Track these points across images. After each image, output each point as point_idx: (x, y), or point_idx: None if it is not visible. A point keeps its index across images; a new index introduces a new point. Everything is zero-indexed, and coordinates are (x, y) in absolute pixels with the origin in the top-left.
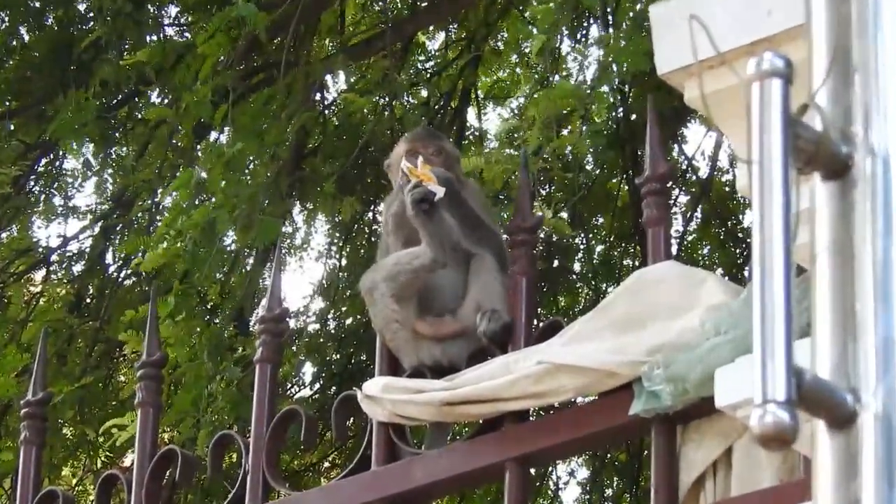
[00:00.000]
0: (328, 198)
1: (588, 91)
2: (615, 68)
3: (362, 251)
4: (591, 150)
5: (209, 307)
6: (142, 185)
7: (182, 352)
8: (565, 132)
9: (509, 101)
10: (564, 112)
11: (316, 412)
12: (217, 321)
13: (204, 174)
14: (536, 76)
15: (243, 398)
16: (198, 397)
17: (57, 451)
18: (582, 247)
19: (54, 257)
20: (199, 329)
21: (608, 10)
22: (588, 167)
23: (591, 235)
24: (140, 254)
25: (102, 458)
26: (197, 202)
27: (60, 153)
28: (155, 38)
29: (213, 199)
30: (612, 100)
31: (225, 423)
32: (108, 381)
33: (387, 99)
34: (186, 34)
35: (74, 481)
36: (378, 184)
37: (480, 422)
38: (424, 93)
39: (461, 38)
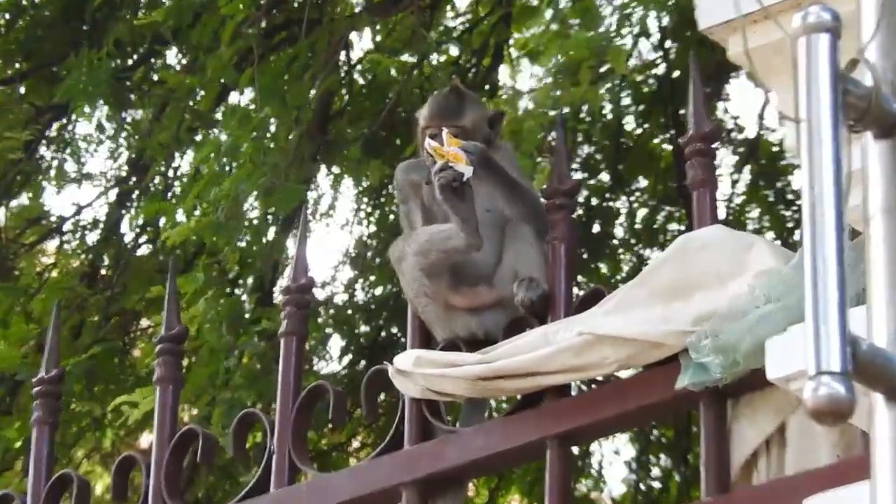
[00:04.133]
0: (354, 162)
1: (604, 43)
2: (639, 16)
3: (391, 217)
4: (632, 108)
5: (229, 278)
6: (158, 149)
7: (207, 328)
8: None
9: (544, 58)
10: (589, 65)
11: (344, 388)
12: (237, 292)
13: (224, 137)
14: (572, 32)
15: (263, 374)
16: (214, 373)
17: (68, 430)
18: (623, 211)
19: (67, 226)
20: (220, 300)
21: None
22: (628, 127)
23: (632, 199)
24: (159, 221)
25: (112, 439)
26: (217, 169)
27: (73, 117)
28: None
29: (235, 167)
30: (649, 55)
31: (243, 401)
32: (123, 356)
33: (415, 58)
34: None
35: (82, 463)
36: (407, 146)
37: (518, 397)
38: (454, 51)
39: None
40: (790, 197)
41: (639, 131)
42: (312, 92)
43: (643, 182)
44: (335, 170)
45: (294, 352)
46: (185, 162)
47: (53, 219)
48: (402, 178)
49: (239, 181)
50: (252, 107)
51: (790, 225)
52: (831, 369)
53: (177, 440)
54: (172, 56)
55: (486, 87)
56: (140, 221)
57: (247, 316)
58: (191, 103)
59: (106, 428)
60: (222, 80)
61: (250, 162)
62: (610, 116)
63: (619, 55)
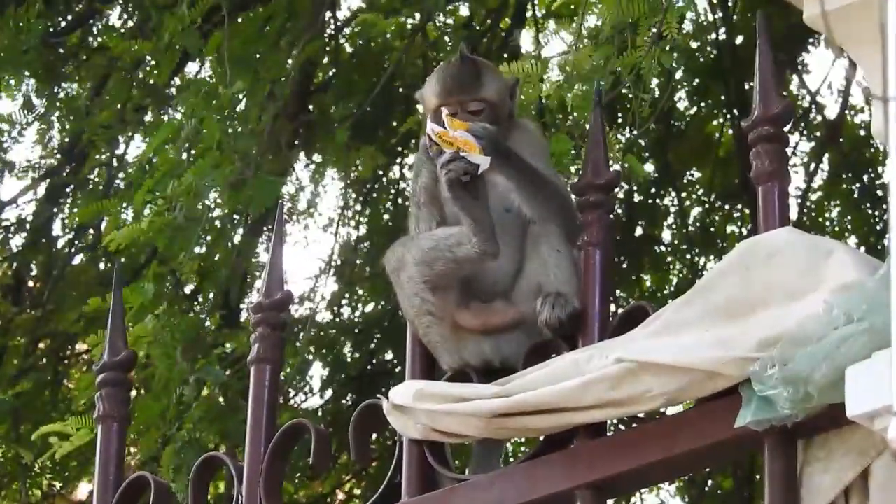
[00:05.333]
0: (341, 148)
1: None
2: None
3: (386, 216)
4: (684, 82)
5: (185, 292)
6: (98, 131)
7: (158, 352)
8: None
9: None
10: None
11: (328, 427)
12: (196, 309)
13: (181, 118)
14: None
15: (228, 409)
16: (165, 406)
17: None
18: (673, 209)
19: None
20: (172, 318)
21: None
22: (680, 106)
23: (684, 194)
24: (100, 223)
25: (44, 489)
26: (184, 157)
27: None
28: None
29: (195, 154)
30: (705, 15)
31: (203, 442)
32: (56, 389)
33: (416, 19)
34: None
35: None
36: (406, 130)
37: (542, 438)
38: (465, 10)
39: None
40: (879, 193)
41: (692, 111)
42: (290, 62)
43: (697, 174)
44: (317, 158)
45: (267, 382)
46: (132, 148)
47: None
48: (415, 184)
49: (203, 173)
50: (215, 80)
51: (878, 227)
52: None
53: (124, 489)
54: (116, 16)
55: (504, 55)
56: (76, 222)
57: (207, 337)
58: (140, 75)
59: (37, 477)
60: (181, 47)
61: (217, 149)
62: (657, 93)
63: (672, 13)
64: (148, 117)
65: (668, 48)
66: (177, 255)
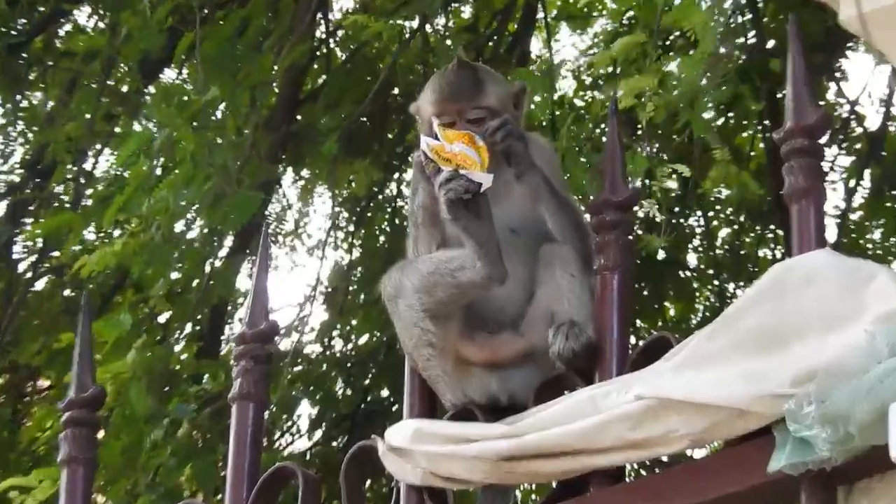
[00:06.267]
0: (331, 162)
1: None
2: None
3: (382, 238)
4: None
5: (158, 322)
6: (65, 144)
7: (133, 389)
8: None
9: (593, 20)
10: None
11: (317, 471)
12: (168, 339)
13: (153, 128)
14: None
15: (206, 451)
16: (135, 448)
17: None
18: (699, 230)
19: None
20: (145, 349)
21: None
22: (706, 116)
23: (711, 214)
24: (68, 245)
25: None
26: (157, 172)
27: None
28: None
29: (170, 167)
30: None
31: (177, 490)
32: (15, 428)
33: (414, 21)
34: None
35: None
36: (404, 141)
37: (555, 484)
38: (468, 12)
39: None
40: None
41: (720, 121)
42: (275, 67)
43: (725, 191)
44: (305, 173)
45: (250, 422)
46: (102, 162)
47: None
48: (413, 203)
49: (177, 189)
50: (191, 86)
51: None
52: None
53: None
54: (85, 17)
55: (512, 61)
56: (38, 239)
57: (181, 372)
58: (111, 82)
59: None
60: (143, 49)
61: (191, 161)
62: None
63: (691, 11)
64: (119, 128)
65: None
66: (152, 281)
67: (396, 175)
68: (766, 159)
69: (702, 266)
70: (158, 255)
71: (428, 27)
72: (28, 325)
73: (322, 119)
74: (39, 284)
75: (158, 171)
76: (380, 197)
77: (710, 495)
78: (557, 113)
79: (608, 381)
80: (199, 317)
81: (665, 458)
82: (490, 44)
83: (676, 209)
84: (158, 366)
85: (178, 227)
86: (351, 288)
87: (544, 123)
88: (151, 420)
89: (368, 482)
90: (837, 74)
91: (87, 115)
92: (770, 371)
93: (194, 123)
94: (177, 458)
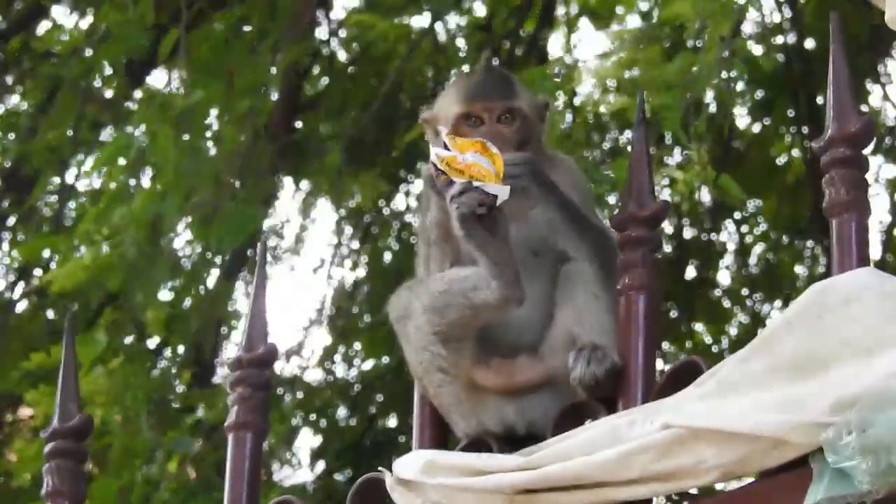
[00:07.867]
0: (334, 173)
1: None
2: None
3: (389, 255)
4: (746, 94)
5: (148, 344)
6: (45, 154)
7: (113, 413)
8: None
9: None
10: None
11: None
12: (162, 365)
13: (141, 135)
14: None
15: (202, 486)
16: (128, 484)
17: None
18: (731, 247)
19: None
20: (133, 377)
21: None
22: (740, 123)
23: (744, 229)
24: (49, 262)
25: None
26: (133, 181)
27: None
28: None
29: (156, 178)
30: (772, 16)
31: None
32: None
33: (426, 19)
34: None
35: None
36: (413, 150)
37: None
38: (482, 9)
39: None
40: None
41: (756, 128)
42: (273, 70)
43: (760, 204)
44: (306, 185)
45: (248, 451)
46: (85, 174)
47: None
48: (423, 219)
49: (154, 198)
50: (178, 88)
51: None
52: None
53: None
54: (64, 15)
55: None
56: (19, 262)
57: (175, 400)
58: (95, 85)
59: None
60: (124, 48)
61: (172, 169)
62: (713, 107)
63: (728, 11)
64: (104, 136)
65: (724, 55)
66: (138, 300)
67: (405, 187)
68: (804, 169)
69: (734, 285)
70: (140, 271)
71: (439, 26)
72: (8, 351)
73: (324, 126)
74: (19, 307)
75: (135, 181)
76: (386, 211)
77: None
78: (577, 120)
79: (633, 409)
80: (189, 340)
81: (694, 491)
82: (505, 44)
83: (707, 224)
84: (154, 394)
85: (162, 241)
86: (355, 309)
87: (563, 127)
88: (147, 453)
89: None
90: (883, 78)
91: (70, 123)
92: (808, 398)
93: (175, 129)
94: (175, 495)
